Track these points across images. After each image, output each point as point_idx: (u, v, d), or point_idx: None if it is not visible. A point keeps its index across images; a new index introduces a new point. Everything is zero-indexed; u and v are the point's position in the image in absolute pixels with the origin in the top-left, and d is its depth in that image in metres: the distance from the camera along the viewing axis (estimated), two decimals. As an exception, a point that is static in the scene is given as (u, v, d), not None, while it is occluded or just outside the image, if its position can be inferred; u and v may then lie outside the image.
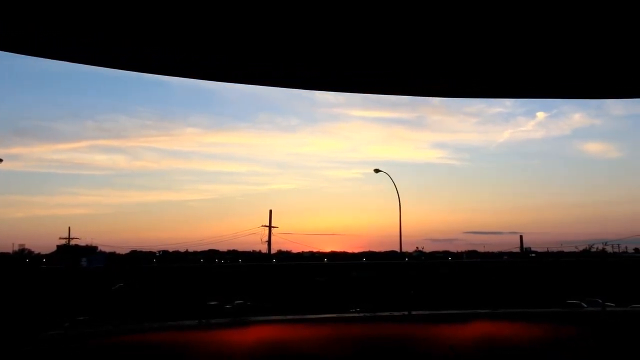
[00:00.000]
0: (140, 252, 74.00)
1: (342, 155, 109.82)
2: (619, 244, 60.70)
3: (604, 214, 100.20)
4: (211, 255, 69.00)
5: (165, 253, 74.22)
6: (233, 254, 71.43)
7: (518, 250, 52.68)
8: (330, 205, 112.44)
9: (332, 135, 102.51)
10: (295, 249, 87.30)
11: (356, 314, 8.41)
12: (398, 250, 37.01)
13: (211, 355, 6.45)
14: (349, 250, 73.32)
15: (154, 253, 73.62)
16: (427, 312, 7.38)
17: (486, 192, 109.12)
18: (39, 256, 68.18)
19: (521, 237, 51.96)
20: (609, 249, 52.42)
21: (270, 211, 53.54)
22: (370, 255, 65.76)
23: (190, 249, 77.76)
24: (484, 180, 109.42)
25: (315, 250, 71.69)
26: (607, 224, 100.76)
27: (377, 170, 35.83)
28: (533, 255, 63.72)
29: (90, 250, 68.49)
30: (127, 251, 73.56)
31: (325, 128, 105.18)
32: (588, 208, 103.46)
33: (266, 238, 53.93)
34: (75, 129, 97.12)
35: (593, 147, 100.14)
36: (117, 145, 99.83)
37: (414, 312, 6.76)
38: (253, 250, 69.49)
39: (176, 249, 77.48)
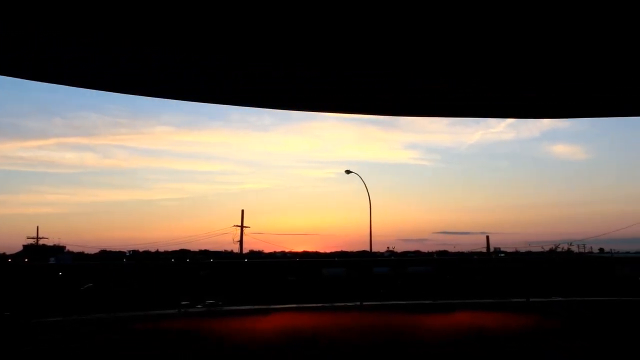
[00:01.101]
0: (110, 251, 72.96)
1: (316, 155, 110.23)
2: (584, 244, 62.39)
3: (571, 215, 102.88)
4: (182, 255, 68.45)
5: (135, 253, 73.29)
6: (204, 254, 70.97)
7: (485, 250, 53.69)
8: (303, 205, 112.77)
9: (306, 135, 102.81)
10: (267, 249, 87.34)
11: (316, 304, 9.02)
12: (369, 250, 37.52)
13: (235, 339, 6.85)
14: (321, 250, 73.70)
15: (124, 253, 72.67)
16: (376, 303, 8.06)
17: (457, 193, 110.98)
18: (5, 256, 66.52)
19: (487, 237, 52.97)
20: (574, 249, 53.96)
21: (243, 211, 53.38)
22: (342, 255, 66.19)
23: (161, 249, 77.05)
24: (455, 180, 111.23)
25: (287, 250, 71.85)
26: (573, 224, 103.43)
27: (348, 172, 36.25)
28: (502, 255, 65.05)
29: (57, 250, 67.18)
30: (97, 251, 72.45)
31: (298, 128, 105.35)
32: (555, 209, 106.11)
33: (238, 238, 53.72)
34: (44, 125, 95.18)
35: (560, 149, 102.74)
36: (86, 143, 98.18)
37: (365, 303, 7.43)
38: (225, 250, 69.23)
39: (147, 249, 76.64)
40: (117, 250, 74.15)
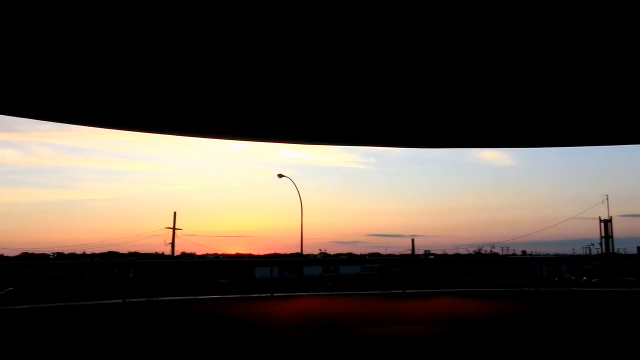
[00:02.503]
0: (32, 254, 69.54)
1: (250, 156, 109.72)
2: (507, 246, 65.53)
3: (495, 218, 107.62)
4: (111, 257, 66.30)
5: (60, 255, 70.27)
6: (134, 256, 69.04)
7: (410, 252, 55.47)
8: (236, 207, 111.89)
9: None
10: (200, 251, 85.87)
11: (234, 295, 9.53)
12: (301, 252, 37.88)
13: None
14: (255, 252, 73.47)
15: (48, 255, 69.47)
16: (286, 294, 8.74)
17: (390, 196, 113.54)
18: None
19: (413, 240, 54.91)
20: (498, 250, 56.56)
21: (175, 213, 52.53)
22: (275, 257, 66.14)
23: (88, 251, 74.31)
24: (388, 184, 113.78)
25: (220, 252, 71.05)
26: (497, 227, 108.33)
27: (280, 175, 36.53)
28: (432, 257, 67.15)
29: (-26, 253, 63.39)
30: (17, 253, 68.91)
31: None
32: (481, 212, 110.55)
33: (170, 240, 52.84)
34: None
35: (489, 155, 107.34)
36: (9, 139, 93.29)
37: (275, 294, 8.02)
38: (155, 252, 67.62)
39: (73, 251, 73.73)
40: (40, 252, 70.87)
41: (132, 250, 72.53)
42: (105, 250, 70.33)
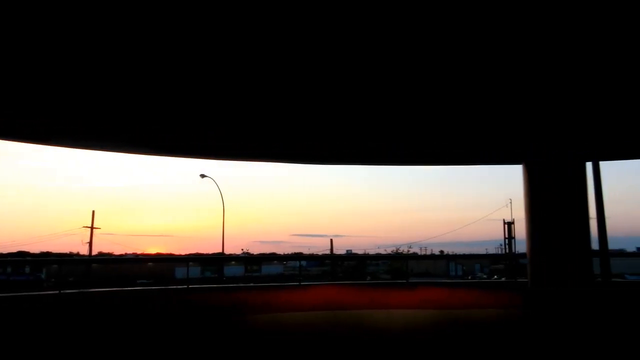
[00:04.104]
0: None
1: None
2: (426, 247, 68.27)
3: (413, 220, 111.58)
4: (20, 257, 62.82)
5: (-38, 255, 65.76)
6: (45, 256, 65.84)
7: (329, 252, 56.81)
8: (157, 206, 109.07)
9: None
10: (118, 250, 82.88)
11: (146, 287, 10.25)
12: (223, 252, 37.93)
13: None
14: (176, 252, 72.17)
15: (-51, 255, 64.86)
16: (204, 285, 9.55)
17: (314, 197, 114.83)
18: None
19: (331, 240, 56.53)
20: (417, 250, 58.94)
21: (93, 212, 50.88)
22: (197, 257, 65.34)
23: (-5, 251, 69.97)
24: (312, 185, 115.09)
25: (139, 252, 69.15)
26: (417, 227, 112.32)
27: (202, 176, 36.44)
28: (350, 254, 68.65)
29: None
30: None
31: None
32: (402, 214, 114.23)
33: (87, 239, 51.12)
34: None
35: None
36: None
37: (191, 286, 8.84)
38: (71, 252, 64.89)
39: (-24, 250, 69.13)
40: (-61, 253, 65.93)
41: (45, 249, 69.06)
42: (14, 249, 66.47)
